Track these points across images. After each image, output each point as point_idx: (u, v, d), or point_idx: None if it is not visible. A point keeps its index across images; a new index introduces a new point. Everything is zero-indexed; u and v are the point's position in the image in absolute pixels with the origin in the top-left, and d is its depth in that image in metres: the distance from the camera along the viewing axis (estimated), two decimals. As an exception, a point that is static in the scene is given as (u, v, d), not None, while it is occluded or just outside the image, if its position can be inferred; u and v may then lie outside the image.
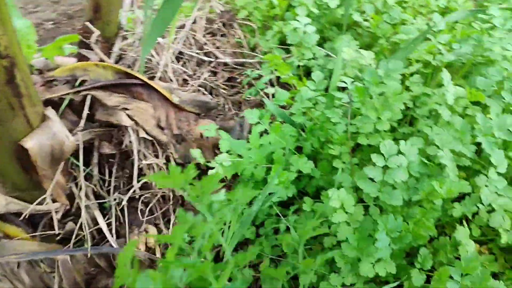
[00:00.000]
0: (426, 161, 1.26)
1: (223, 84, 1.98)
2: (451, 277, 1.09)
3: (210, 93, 1.93)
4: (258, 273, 1.44)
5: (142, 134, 1.60)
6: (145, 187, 1.60)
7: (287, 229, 1.47)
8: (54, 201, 1.43)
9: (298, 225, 1.36)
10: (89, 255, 1.28)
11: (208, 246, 0.89)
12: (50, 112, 1.28)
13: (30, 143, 1.19)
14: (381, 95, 1.38)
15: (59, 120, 1.28)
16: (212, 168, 1.48)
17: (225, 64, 2.06)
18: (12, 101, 1.10)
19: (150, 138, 1.62)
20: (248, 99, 1.93)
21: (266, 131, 1.52)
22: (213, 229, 0.94)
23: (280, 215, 1.41)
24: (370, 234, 1.21)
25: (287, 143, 1.51)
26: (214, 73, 2.01)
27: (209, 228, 0.94)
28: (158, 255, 1.45)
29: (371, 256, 1.20)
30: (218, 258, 1.52)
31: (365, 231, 1.21)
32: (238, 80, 2.03)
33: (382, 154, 1.22)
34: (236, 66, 2.05)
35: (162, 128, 1.68)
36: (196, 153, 1.52)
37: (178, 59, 1.98)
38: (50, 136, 1.23)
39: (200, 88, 1.88)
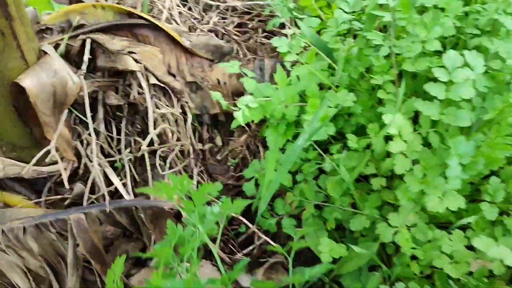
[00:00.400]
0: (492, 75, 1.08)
1: (234, 30, 1.78)
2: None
3: (222, 39, 1.73)
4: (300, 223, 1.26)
5: (153, 80, 1.40)
6: (160, 141, 1.41)
7: (327, 174, 1.29)
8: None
9: (345, 163, 1.18)
10: (108, 211, 1.09)
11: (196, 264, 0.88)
12: (48, 48, 1.08)
13: (28, 82, 0.99)
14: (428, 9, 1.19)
15: (59, 56, 1.08)
16: (237, 111, 1.29)
17: (234, 9, 1.86)
18: (2, 24, 0.89)
19: (162, 85, 1.42)
20: (263, 43, 1.74)
21: (296, 64, 1.33)
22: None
23: (323, 154, 1.23)
24: (438, 164, 1.04)
25: (322, 76, 1.32)
26: (223, 18, 1.80)
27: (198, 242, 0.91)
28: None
29: (438, 189, 1.03)
30: (249, 212, 1.34)
31: (430, 160, 1.03)
32: (250, 26, 1.83)
33: (444, 67, 1.03)
34: (246, 10, 1.84)
35: (173, 76, 1.49)
36: (217, 95, 1.33)
37: (183, 4, 1.78)
38: (50, 74, 1.03)
39: (210, 33, 1.68)
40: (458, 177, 0.98)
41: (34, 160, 1.12)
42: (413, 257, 1.09)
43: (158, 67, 1.42)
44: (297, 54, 1.33)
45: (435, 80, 1.05)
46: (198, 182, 1.41)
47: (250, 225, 1.26)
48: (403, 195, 1.06)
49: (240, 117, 1.29)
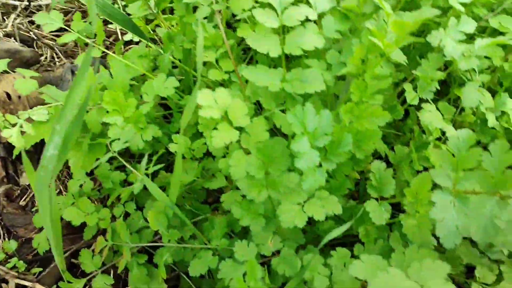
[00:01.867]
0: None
1: (50, 34, 1.36)
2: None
3: (31, 46, 1.30)
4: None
5: None
6: None
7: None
8: None
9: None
10: None
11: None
12: None
13: None
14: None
15: None
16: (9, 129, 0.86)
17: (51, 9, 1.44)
18: None
19: None
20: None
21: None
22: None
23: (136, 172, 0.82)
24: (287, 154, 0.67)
25: (139, 65, 0.93)
26: (31, 22, 1.38)
27: None
28: None
29: (295, 192, 0.66)
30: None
31: (272, 150, 0.67)
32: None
33: (271, 7, 0.69)
34: (67, 9, 1.43)
35: None
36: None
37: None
38: None
39: (4, 38, 1.24)
40: (315, 169, 0.62)
41: None
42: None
43: None
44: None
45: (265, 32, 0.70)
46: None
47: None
48: (243, 211, 0.68)
49: (15, 139, 0.85)
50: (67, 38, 0.93)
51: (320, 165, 0.63)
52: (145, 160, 0.72)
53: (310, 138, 0.62)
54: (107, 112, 0.82)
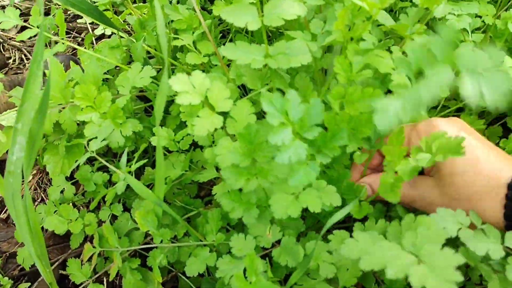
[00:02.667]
0: None
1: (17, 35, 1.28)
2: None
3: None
4: None
5: None
6: None
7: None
8: None
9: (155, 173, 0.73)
10: None
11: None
12: None
13: None
14: None
15: None
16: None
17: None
18: None
19: None
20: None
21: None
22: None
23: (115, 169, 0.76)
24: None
25: (111, 57, 0.87)
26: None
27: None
28: None
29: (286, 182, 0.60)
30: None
31: (256, 135, 0.61)
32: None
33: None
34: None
35: None
36: None
37: None
38: None
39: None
40: (305, 163, 0.56)
41: None
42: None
43: None
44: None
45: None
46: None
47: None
48: (234, 202, 0.62)
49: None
50: (26, 34, 0.86)
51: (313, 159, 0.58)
52: (124, 156, 0.66)
53: (296, 129, 0.55)
54: (82, 109, 0.76)
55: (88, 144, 0.76)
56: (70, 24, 1.41)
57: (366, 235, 0.53)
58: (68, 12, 1.36)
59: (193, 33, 0.85)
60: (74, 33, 1.31)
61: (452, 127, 0.58)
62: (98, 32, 1.25)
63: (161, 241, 0.73)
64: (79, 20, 1.32)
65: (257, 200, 0.64)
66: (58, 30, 0.85)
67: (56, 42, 0.89)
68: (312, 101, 0.55)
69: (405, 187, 0.63)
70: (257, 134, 0.58)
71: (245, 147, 0.59)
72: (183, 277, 0.87)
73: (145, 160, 0.74)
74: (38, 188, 1.01)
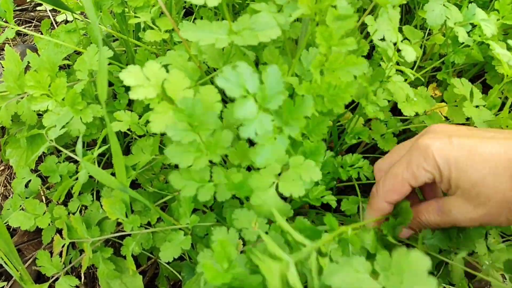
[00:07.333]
0: None
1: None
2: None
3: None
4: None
5: None
6: None
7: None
8: None
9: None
10: None
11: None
12: None
13: None
14: None
15: None
16: None
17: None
18: None
19: None
20: (22, 33, 1.20)
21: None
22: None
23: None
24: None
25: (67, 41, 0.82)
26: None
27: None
28: None
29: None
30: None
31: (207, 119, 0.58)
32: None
33: None
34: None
35: None
36: None
37: None
38: None
39: None
40: (272, 137, 0.53)
41: None
42: None
43: None
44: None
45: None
46: None
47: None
48: (185, 180, 0.59)
49: None
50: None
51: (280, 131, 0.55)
52: (80, 142, 0.62)
53: (259, 101, 0.51)
54: (36, 98, 0.72)
55: (46, 134, 0.72)
56: (32, 14, 1.35)
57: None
58: (28, 1, 1.31)
59: (151, 10, 0.81)
60: (35, 21, 1.26)
61: (441, 140, 0.55)
62: (59, 19, 1.20)
63: (132, 228, 0.70)
64: (39, 8, 1.26)
65: (234, 189, 0.60)
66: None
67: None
68: (268, 69, 0.51)
69: (434, 216, 0.60)
70: (196, 107, 0.54)
71: (186, 122, 0.54)
72: (163, 263, 0.85)
73: (107, 145, 0.70)
74: (8, 184, 0.98)
